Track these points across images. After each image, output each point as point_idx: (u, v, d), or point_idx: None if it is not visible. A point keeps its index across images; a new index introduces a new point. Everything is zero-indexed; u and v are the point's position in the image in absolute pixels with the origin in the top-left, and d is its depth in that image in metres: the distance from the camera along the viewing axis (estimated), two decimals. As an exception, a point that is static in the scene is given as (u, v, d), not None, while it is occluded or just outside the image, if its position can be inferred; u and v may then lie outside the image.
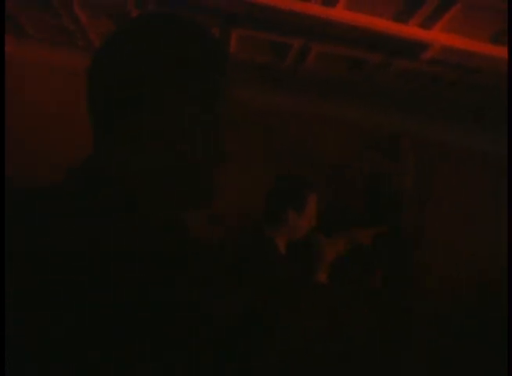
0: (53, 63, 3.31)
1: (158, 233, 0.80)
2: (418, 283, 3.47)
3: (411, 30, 2.49)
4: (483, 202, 3.74)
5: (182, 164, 0.77)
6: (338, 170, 3.63)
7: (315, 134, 3.69)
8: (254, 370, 0.89)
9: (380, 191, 3.38)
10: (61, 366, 0.59)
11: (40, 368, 0.58)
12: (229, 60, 0.84)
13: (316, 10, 2.44)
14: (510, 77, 2.49)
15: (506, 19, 2.09)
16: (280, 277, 1.65)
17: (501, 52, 2.53)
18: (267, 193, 2.05)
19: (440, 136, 3.81)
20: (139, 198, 0.76)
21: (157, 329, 0.68)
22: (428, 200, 3.74)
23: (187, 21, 0.81)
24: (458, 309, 3.49)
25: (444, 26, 2.42)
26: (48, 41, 3.35)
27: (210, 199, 0.81)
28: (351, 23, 2.48)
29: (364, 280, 2.88)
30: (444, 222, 3.70)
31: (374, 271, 2.90)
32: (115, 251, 0.68)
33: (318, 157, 3.57)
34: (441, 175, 3.76)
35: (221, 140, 0.80)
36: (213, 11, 2.59)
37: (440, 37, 2.50)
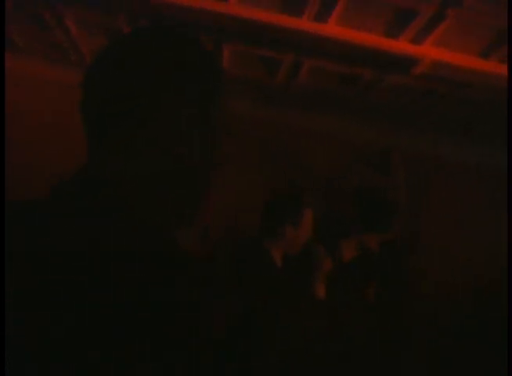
0: (47, 77, 3.32)
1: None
2: (413, 288, 3.48)
3: (402, 46, 2.52)
4: (477, 209, 3.77)
5: (179, 167, 0.77)
6: (332, 182, 3.65)
7: (306, 148, 3.70)
8: (254, 370, 0.88)
9: (373, 204, 3.40)
10: (61, 366, 0.58)
11: (40, 368, 0.58)
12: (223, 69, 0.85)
13: (308, 26, 2.46)
14: (510, 85, 2.51)
15: (506, 18, 2.10)
16: (277, 290, 1.65)
17: (491, 66, 2.57)
18: (264, 208, 2.06)
19: (431, 150, 3.84)
20: (136, 204, 0.75)
21: (157, 329, 0.68)
22: (422, 212, 3.76)
23: (180, 29, 0.84)
24: (455, 312, 3.50)
25: (434, 41, 2.45)
26: (41, 56, 3.36)
27: (205, 202, 0.81)
28: (343, 38, 2.51)
29: (359, 293, 2.87)
30: (439, 226, 3.72)
31: (368, 284, 2.89)
32: (114, 252, 0.68)
33: (309, 171, 3.59)
34: (436, 188, 3.79)
35: (218, 142, 0.81)
36: (205, 27, 2.61)
37: (431, 52, 2.53)
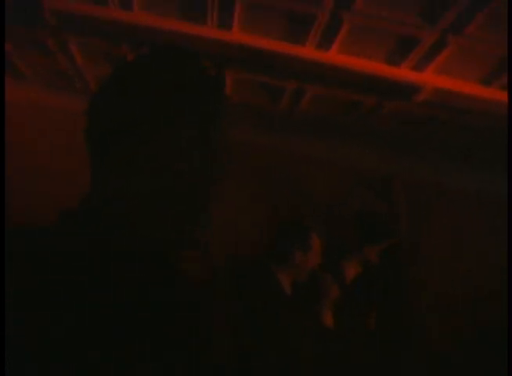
0: (52, 104, 3.34)
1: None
2: (414, 299, 3.47)
3: (403, 73, 2.56)
4: (477, 235, 3.78)
5: (179, 183, 0.77)
6: (332, 208, 3.65)
7: (307, 175, 3.71)
8: (254, 370, 0.88)
9: (374, 228, 3.40)
10: (61, 366, 0.59)
11: (40, 368, 0.58)
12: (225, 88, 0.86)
13: (311, 54, 2.50)
14: (510, 112, 2.54)
15: (506, 46, 2.14)
16: (286, 317, 1.63)
17: (491, 93, 2.60)
18: (271, 234, 2.07)
19: (432, 176, 3.86)
20: (137, 221, 0.76)
21: (157, 329, 0.69)
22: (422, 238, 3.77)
23: (181, 53, 0.84)
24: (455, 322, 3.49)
25: (436, 68, 2.48)
26: (45, 84, 3.38)
27: (207, 217, 0.81)
28: (345, 66, 2.54)
29: (363, 317, 2.86)
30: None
31: (372, 307, 2.88)
32: (114, 252, 0.69)
33: (310, 197, 3.60)
34: (437, 215, 3.79)
35: (218, 158, 0.81)
36: (207, 55, 2.64)
37: (432, 79, 2.56)
